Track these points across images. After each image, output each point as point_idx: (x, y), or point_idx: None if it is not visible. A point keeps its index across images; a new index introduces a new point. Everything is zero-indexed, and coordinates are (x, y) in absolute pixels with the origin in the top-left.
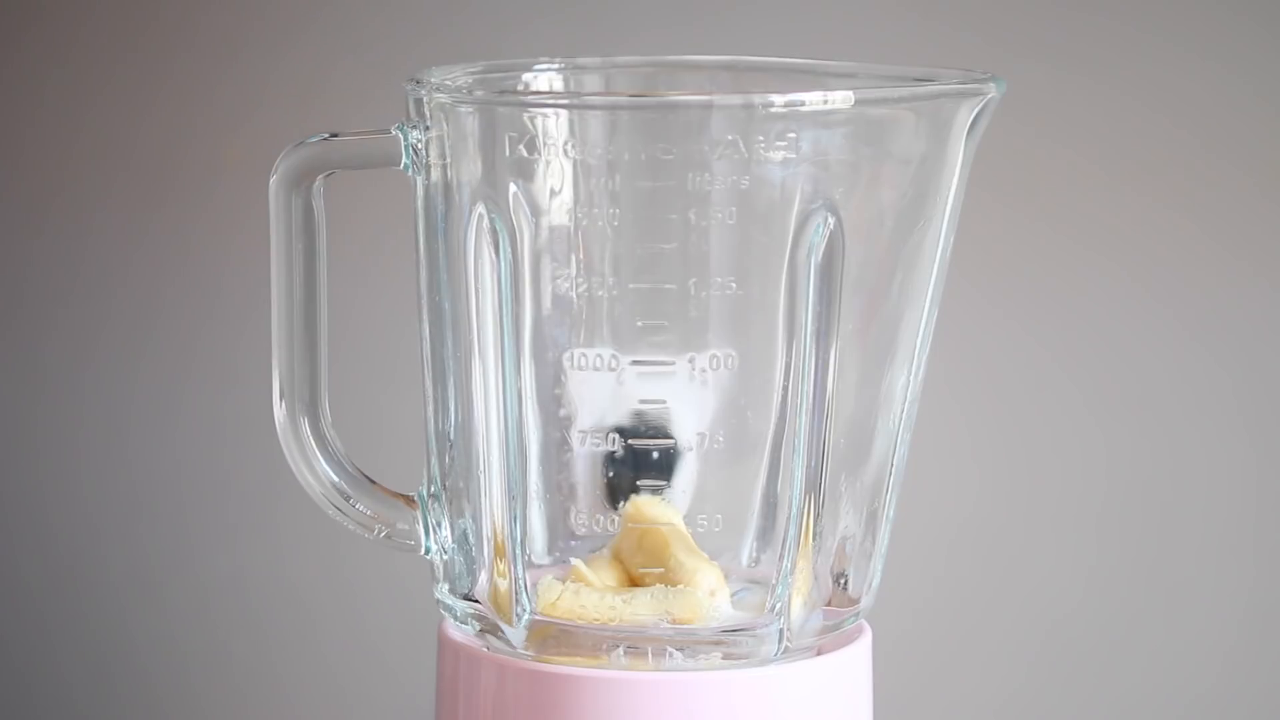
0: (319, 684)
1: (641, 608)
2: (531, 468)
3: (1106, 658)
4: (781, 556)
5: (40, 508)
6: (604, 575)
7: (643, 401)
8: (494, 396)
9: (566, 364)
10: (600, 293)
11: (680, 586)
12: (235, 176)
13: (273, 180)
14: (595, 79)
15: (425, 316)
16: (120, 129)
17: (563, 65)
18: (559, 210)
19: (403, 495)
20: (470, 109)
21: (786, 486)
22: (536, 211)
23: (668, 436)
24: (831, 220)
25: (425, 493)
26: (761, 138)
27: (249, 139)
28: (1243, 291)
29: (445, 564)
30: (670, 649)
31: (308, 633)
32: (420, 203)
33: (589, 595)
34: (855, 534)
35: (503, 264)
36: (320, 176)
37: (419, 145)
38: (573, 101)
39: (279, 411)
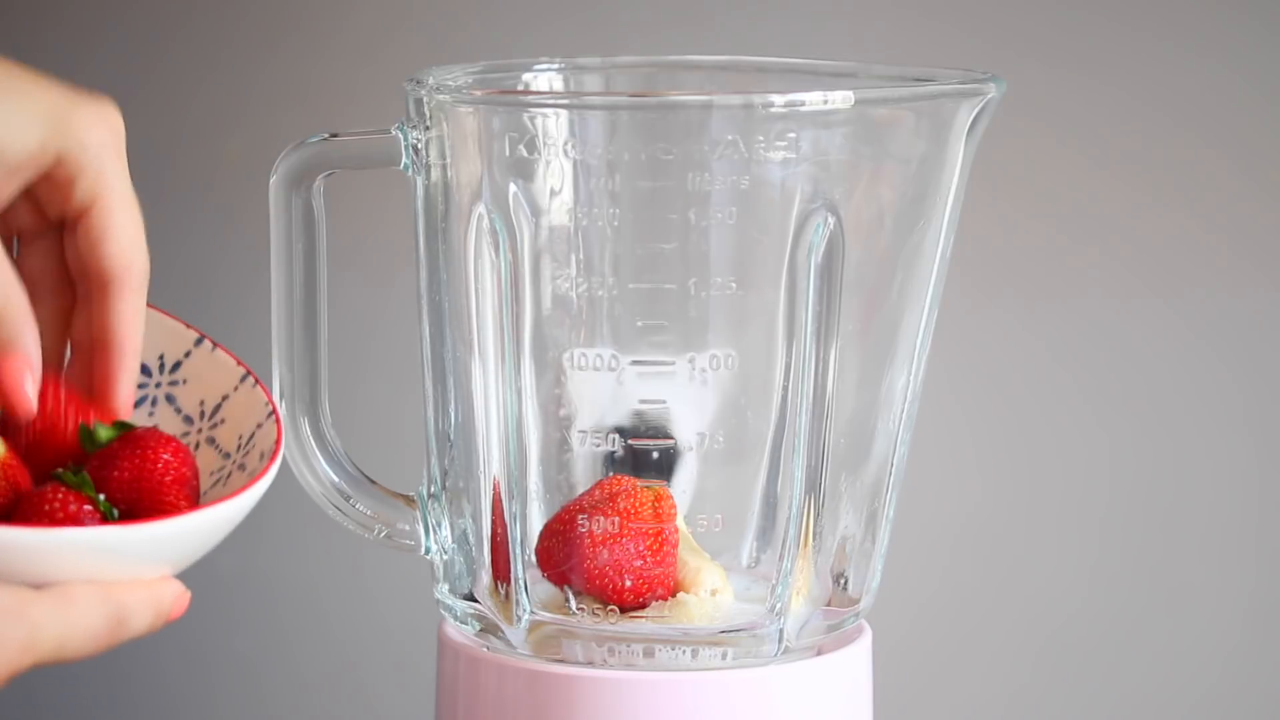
0: (319, 683)
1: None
2: (531, 468)
3: (1107, 658)
4: (781, 556)
5: None
6: None
7: (643, 401)
8: (494, 396)
9: (566, 364)
10: (600, 293)
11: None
12: (235, 176)
13: (273, 180)
14: (595, 79)
15: (425, 316)
16: None
17: (563, 65)
18: (559, 210)
19: (403, 495)
20: (470, 109)
21: (786, 486)
22: (536, 211)
23: (668, 436)
24: (831, 220)
25: (425, 493)
26: (761, 138)
27: (249, 139)
28: (1243, 291)
29: (445, 564)
30: (670, 649)
31: (308, 632)
32: (420, 203)
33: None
34: (855, 534)
35: (503, 264)
36: (320, 176)
37: (419, 145)
38: (572, 101)
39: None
